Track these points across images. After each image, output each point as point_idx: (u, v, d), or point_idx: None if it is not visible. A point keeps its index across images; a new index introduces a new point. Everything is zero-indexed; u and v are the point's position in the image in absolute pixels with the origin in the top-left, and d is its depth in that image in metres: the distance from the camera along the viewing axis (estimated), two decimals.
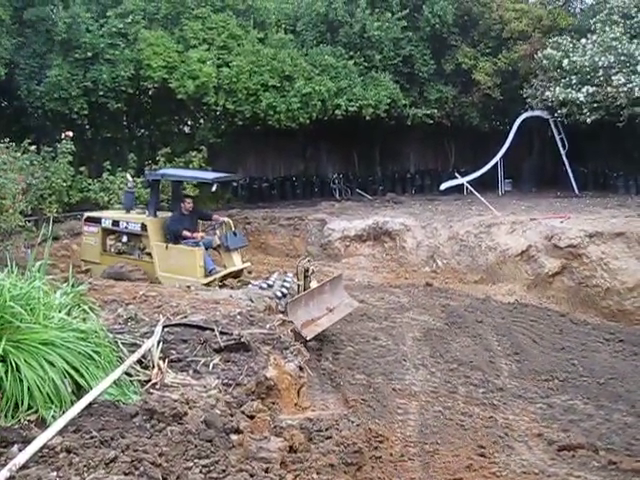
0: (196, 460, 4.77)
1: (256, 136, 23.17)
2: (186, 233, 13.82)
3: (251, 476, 4.50)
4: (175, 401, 5.47)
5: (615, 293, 16.66)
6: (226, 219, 14.99)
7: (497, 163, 24.24)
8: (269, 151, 24.44)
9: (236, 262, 14.29)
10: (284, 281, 13.28)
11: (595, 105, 21.37)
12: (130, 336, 6.71)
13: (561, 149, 24.08)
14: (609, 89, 20.89)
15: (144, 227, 14.05)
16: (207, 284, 13.28)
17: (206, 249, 13.93)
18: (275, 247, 20.21)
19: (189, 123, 24.14)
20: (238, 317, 7.84)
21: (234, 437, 5.05)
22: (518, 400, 11.61)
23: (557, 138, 24.11)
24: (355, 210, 21.77)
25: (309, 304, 12.35)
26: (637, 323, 16.27)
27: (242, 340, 6.88)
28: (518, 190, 25.05)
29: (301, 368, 6.95)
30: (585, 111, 21.54)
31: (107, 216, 14.77)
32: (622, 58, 21.02)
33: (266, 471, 4.57)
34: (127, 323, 7.43)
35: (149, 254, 14.17)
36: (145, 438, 4.87)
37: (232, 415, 5.40)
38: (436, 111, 24.21)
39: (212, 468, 4.69)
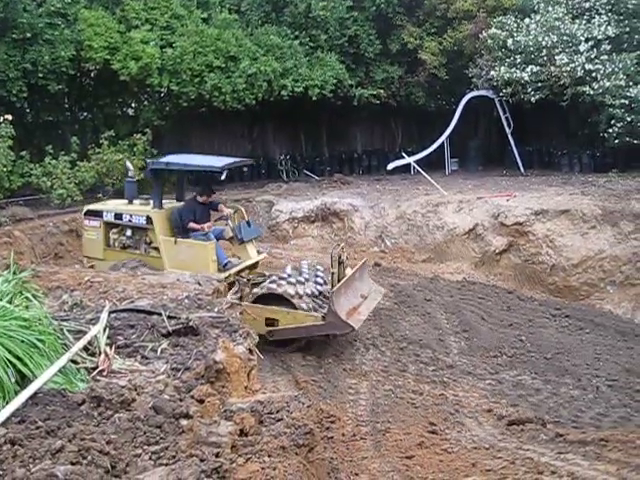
0: (145, 447, 4.69)
1: (202, 118, 22.89)
2: (192, 225, 12.84)
3: (201, 461, 4.44)
4: (123, 387, 5.37)
5: (560, 269, 16.98)
6: (238, 207, 14.23)
7: (443, 143, 24.42)
8: (215, 133, 24.17)
9: (251, 254, 13.43)
10: (316, 275, 12.81)
11: (539, 84, 21.65)
12: (76, 323, 6.56)
13: (506, 128, 24.35)
14: (552, 69, 21.18)
15: (149, 220, 13.03)
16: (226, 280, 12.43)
17: (217, 240, 13.03)
18: None
19: (133, 105, 23.70)
20: (186, 301, 7.73)
21: (184, 422, 4.98)
22: (468, 377, 11.77)
23: (502, 117, 24.36)
24: (303, 191, 21.73)
25: (347, 292, 11.97)
26: (582, 298, 16.63)
27: (190, 324, 6.79)
28: (464, 169, 25.28)
29: (251, 351, 6.89)
30: (529, 90, 21.81)
31: (109, 209, 13.66)
32: (565, 38, 21.30)
33: (217, 455, 4.51)
34: (72, 310, 7.25)
35: (157, 248, 13.15)
36: (92, 426, 4.77)
37: (181, 400, 5.32)
38: (382, 91, 24.24)
39: (162, 454, 4.62)
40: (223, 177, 13.33)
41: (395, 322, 13.81)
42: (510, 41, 22.16)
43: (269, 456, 4.59)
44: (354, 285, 12.39)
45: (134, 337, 6.58)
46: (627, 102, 21.15)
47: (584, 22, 21.55)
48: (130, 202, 13.69)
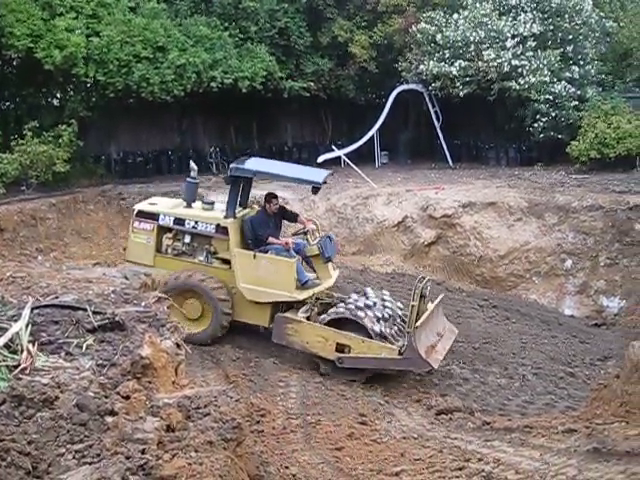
0: (69, 445, 4.57)
1: (129, 109, 22.44)
2: (272, 239, 11.94)
3: (127, 458, 4.36)
4: (45, 385, 5.22)
5: (488, 261, 17.31)
6: (312, 225, 12.89)
7: (373, 136, 24.55)
8: (143, 124, 23.71)
9: (332, 274, 12.45)
10: (384, 301, 12.07)
11: (467, 79, 21.99)
12: None
13: (435, 122, 24.65)
14: (480, 64, 21.55)
15: (222, 229, 12.01)
16: (302, 301, 11.88)
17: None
18: None
19: (58, 95, 23.04)
20: (112, 296, 7.59)
21: (109, 419, 4.88)
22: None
23: (432, 111, 24.64)
24: None
25: (426, 329, 11.23)
26: (509, 289, 17.00)
27: (117, 319, 6.65)
28: (394, 162, 25.46)
29: (178, 345, 6.79)
30: (458, 85, 22.13)
31: (167, 212, 12.43)
32: (492, 34, 21.69)
33: (142, 452, 4.44)
34: None
35: (223, 260, 12.27)
36: (13, 426, 4.62)
37: (106, 397, 5.21)
38: (313, 84, 24.20)
39: (86, 453, 4.51)
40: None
41: None
42: (439, 36, 22.43)
43: (196, 451, 4.53)
44: (432, 321, 11.64)
45: (58, 333, 6.41)
46: (551, 98, 21.70)
47: (510, 19, 21.97)
48: (189, 205, 12.63)
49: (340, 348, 11.24)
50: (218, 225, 12.02)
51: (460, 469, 7.15)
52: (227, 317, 11.98)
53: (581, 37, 22.90)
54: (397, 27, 23.84)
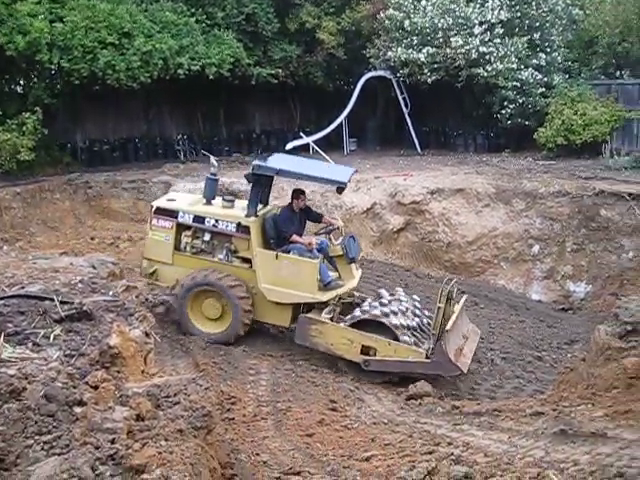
0: (37, 437, 4.54)
1: (95, 96, 22.13)
2: (296, 238, 11.64)
3: (96, 448, 4.34)
4: (12, 377, 5.15)
5: (456, 247, 17.42)
6: (340, 222, 12.72)
7: (342, 123, 24.53)
8: (109, 112, 23.43)
9: (355, 274, 12.10)
10: (415, 306, 11.80)
11: (435, 66, 22.06)
12: None
13: (404, 108, 24.69)
14: (448, 50, 21.60)
15: (243, 228, 11.75)
16: (325, 302, 11.64)
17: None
18: (119, 212, 19.57)
19: (21, 82, 22.68)
20: (80, 285, 7.51)
21: (77, 409, 4.85)
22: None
23: (400, 98, 24.67)
24: (201, 171, 21.31)
25: (454, 332, 10.95)
26: (477, 274, 17.13)
27: (84, 309, 6.60)
28: (363, 149, 25.50)
29: (147, 334, 6.76)
30: (426, 71, 22.18)
31: (187, 209, 12.16)
32: (460, 21, 21.74)
33: (112, 442, 4.42)
34: None
35: (243, 259, 11.98)
36: None
37: (75, 387, 5.16)
38: (280, 70, 24.10)
39: (54, 444, 4.49)
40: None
41: None
42: (407, 22, 22.42)
43: (166, 440, 4.53)
44: (459, 324, 11.35)
45: (25, 324, 6.35)
46: (519, 84, 21.87)
47: (478, 6, 22.02)
48: (208, 202, 12.36)
49: (365, 350, 11.01)
50: (239, 224, 11.78)
51: (430, 453, 7.19)
52: (248, 314, 11.70)
53: (548, 24, 23.06)
54: (365, 13, 23.83)
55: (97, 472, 4.17)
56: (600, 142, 20.23)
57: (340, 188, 11.71)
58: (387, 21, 22.93)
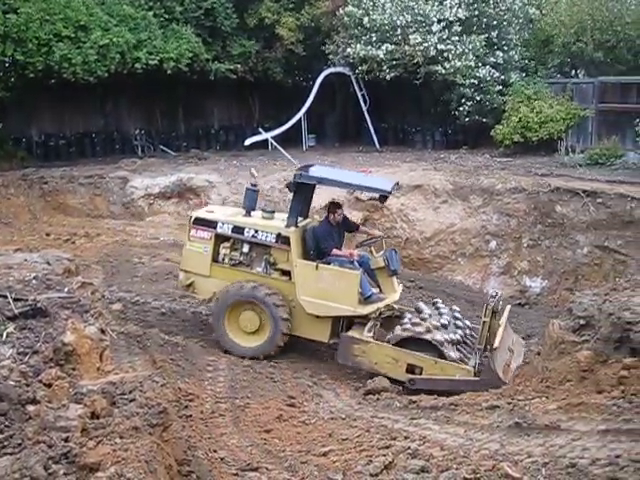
0: None
1: (51, 90, 21.83)
2: (337, 252, 11.31)
3: (49, 447, 4.29)
4: None
5: (414, 243, 17.52)
6: (381, 233, 12.34)
7: (301, 119, 24.52)
8: (66, 106, 23.12)
9: (397, 288, 11.66)
10: (455, 318, 11.40)
11: (394, 62, 22.14)
12: None
13: (363, 105, 24.76)
14: (407, 47, 21.70)
15: (283, 239, 11.36)
16: (366, 316, 11.27)
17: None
18: (75, 207, 19.35)
19: None
20: (34, 282, 7.37)
21: (30, 408, 4.78)
22: (326, 350, 11.98)
23: (359, 94, 24.74)
24: (158, 167, 21.25)
25: (501, 347, 10.47)
26: (435, 270, 17.27)
27: (38, 306, 6.50)
28: (322, 145, 25.53)
29: (103, 331, 6.69)
30: (385, 68, 22.26)
31: (226, 220, 11.81)
32: (418, 18, 21.86)
33: (65, 440, 4.37)
34: None
35: (282, 271, 11.62)
36: None
37: (28, 385, 5.09)
38: (239, 66, 24.02)
39: (6, 443, 4.43)
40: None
41: None
42: (366, 19, 22.48)
43: (121, 437, 4.49)
44: (505, 338, 10.84)
45: None
46: (476, 82, 22.06)
47: (437, 4, 22.15)
48: (248, 213, 11.99)
49: (411, 368, 10.66)
50: (279, 234, 11.41)
51: (387, 447, 7.24)
52: (286, 323, 11.27)
53: (505, 23, 23.32)
54: (324, 9, 23.82)
55: (50, 471, 4.12)
56: (556, 139, 20.50)
57: (383, 197, 11.38)
58: (346, 18, 22.96)
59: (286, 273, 11.57)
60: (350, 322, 11.57)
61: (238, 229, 11.67)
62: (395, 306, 11.89)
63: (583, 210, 16.13)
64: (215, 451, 7.57)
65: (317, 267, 11.04)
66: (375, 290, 11.52)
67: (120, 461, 4.24)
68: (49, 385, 5.15)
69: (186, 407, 8.93)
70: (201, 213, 12.35)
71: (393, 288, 11.58)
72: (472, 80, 21.97)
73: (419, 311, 11.45)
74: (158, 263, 15.51)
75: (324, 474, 6.74)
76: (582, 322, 7.95)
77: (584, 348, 7.64)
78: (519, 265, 16.73)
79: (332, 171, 12.75)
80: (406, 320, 11.13)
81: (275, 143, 23.42)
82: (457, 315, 11.61)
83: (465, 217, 17.51)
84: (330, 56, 23.96)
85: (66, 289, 7.30)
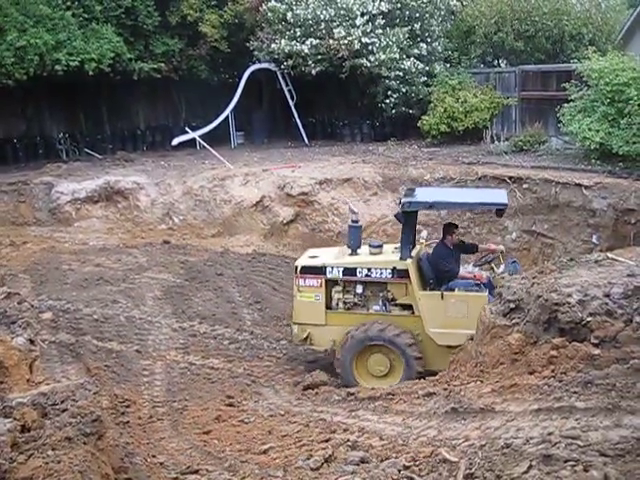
0: None
1: None
2: (463, 274, 10.77)
3: None
4: None
5: (346, 235, 17.56)
6: (501, 247, 11.57)
7: (228, 116, 24.35)
8: None
9: None
10: None
11: (319, 57, 22.14)
12: None
13: (290, 100, 24.72)
14: (331, 42, 21.72)
15: (399, 273, 10.67)
16: None
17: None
18: None
19: None
20: None
21: None
22: (264, 348, 11.97)
23: (285, 90, 24.69)
24: (84, 171, 20.81)
25: None
26: None
27: None
28: (250, 142, 25.42)
29: (32, 341, 6.52)
30: (310, 63, 22.25)
31: (334, 263, 11.12)
32: (342, 12, 21.90)
33: None
34: None
35: (402, 306, 10.92)
36: None
37: None
38: (163, 65, 23.69)
39: None
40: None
41: (187, 299, 13.73)
42: (290, 14, 22.42)
43: (53, 449, 4.39)
44: None
45: None
46: (401, 74, 22.24)
47: None
48: (354, 252, 11.29)
49: None
50: (394, 268, 10.74)
51: (326, 441, 7.27)
52: (420, 362, 10.49)
53: (427, 15, 23.53)
54: (248, 6, 23.67)
55: None
56: (481, 128, 20.84)
57: (500, 210, 10.95)
58: (270, 13, 22.86)
59: (406, 307, 10.98)
60: None
61: (349, 270, 11.05)
62: None
63: (510, 196, 16.45)
64: (154, 456, 7.48)
65: (442, 296, 10.43)
66: None
67: (53, 474, 4.14)
68: None
69: (123, 414, 8.81)
70: (306, 261, 11.60)
71: None
72: (397, 72, 22.14)
73: None
74: (88, 269, 15.22)
75: (265, 472, 6.71)
76: (512, 306, 8.08)
77: (515, 331, 7.78)
78: None
79: (440, 192, 12.31)
80: None
81: (203, 142, 23.21)
82: None
83: (395, 208, 17.58)
84: (255, 52, 23.83)
85: None
